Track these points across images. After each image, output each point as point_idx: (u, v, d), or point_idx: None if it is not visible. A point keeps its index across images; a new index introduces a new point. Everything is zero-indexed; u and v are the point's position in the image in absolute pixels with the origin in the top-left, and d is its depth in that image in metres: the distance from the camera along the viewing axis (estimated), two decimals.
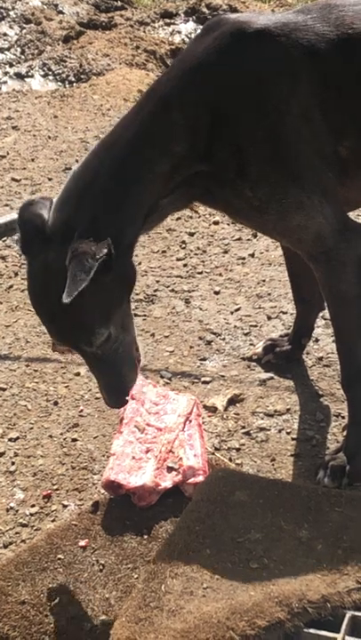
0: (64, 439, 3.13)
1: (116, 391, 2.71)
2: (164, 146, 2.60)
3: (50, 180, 4.90)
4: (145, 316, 3.84)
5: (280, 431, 3.14)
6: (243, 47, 2.60)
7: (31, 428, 3.21)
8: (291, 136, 2.58)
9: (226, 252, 4.26)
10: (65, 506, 2.89)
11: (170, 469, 2.85)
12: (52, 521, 2.84)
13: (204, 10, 7.73)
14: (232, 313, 3.80)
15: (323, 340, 3.57)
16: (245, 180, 2.62)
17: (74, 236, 2.45)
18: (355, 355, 2.85)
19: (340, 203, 2.70)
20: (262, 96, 2.57)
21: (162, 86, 2.66)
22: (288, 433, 3.13)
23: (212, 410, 3.25)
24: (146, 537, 2.70)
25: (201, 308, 3.85)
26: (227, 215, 2.94)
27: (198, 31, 2.79)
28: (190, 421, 3.00)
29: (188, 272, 4.16)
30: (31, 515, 2.87)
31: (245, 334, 3.66)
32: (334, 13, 2.64)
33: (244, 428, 3.16)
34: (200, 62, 2.60)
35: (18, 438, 3.17)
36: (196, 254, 4.31)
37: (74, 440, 3.14)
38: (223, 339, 3.64)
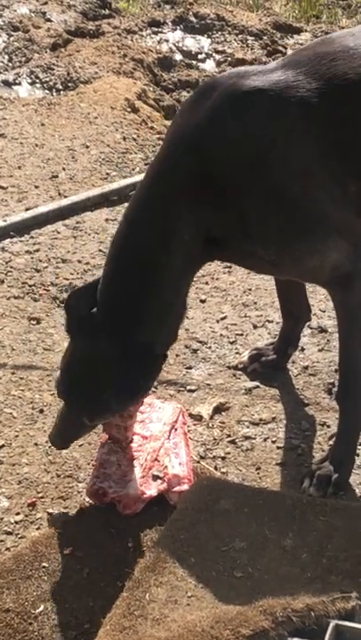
0: (49, 447, 3.12)
1: (65, 440, 2.90)
2: (178, 240, 2.65)
3: (36, 187, 4.89)
4: None
5: (265, 440, 3.14)
6: (237, 113, 2.58)
7: (16, 436, 3.20)
8: (294, 193, 2.58)
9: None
10: (50, 514, 2.88)
11: (155, 478, 2.85)
12: (37, 529, 2.83)
13: (192, 19, 7.74)
14: (218, 321, 3.81)
15: (309, 349, 3.58)
16: (255, 242, 2.66)
17: (123, 330, 2.65)
18: (357, 370, 2.87)
19: (359, 232, 2.71)
20: (260, 159, 2.57)
21: (161, 171, 2.67)
22: (273, 442, 3.13)
23: (198, 418, 3.25)
24: (131, 545, 2.70)
25: (187, 317, 3.81)
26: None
27: (189, 96, 2.78)
28: (176, 430, 3.00)
29: None
30: (16, 522, 2.86)
31: (231, 343, 3.66)
32: (325, 65, 2.60)
33: (229, 436, 3.16)
34: (196, 135, 2.60)
35: (3, 446, 3.16)
36: None
37: None
38: (209, 347, 3.65)
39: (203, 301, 3.95)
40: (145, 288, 2.66)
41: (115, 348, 2.65)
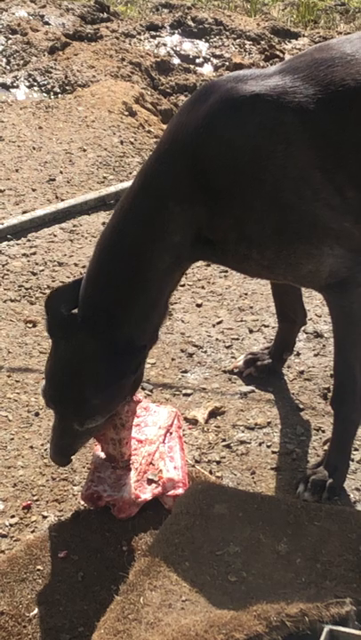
0: (45, 450, 3.13)
1: (64, 453, 2.83)
2: (167, 240, 2.66)
3: (34, 190, 4.90)
4: None
5: (260, 444, 3.15)
6: (234, 118, 2.59)
7: (12, 439, 3.20)
8: (292, 199, 2.58)
9: (208, 264, 4.27)
10: (45, 517, 2.88)
11: (150, 481, 2.85)
12: (32, 532, 2.83)
13: (190, 23, 7.76)
14: (214, 326, 3.81)
15: (304, 354, 3.58)
16: (250, 246, 2.66)
17: (104, 325, 2.64)
18: (353, 375, 2.87)
19: (358, 238, 2.71)
20: (256, 164, 2.57)
21: (155, 172, 2.67)
22: (268, 446, 3.13)
23: (193, 422, 3.25)
24: (125, 549, 2.70)
25: (183, 321, 3.85)
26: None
27: (187, 99, 2.78)
28: (171, 434, 3.00)
29: None
30: (11, 525, 2.86)
31: (227, 347, 3.67)
32: (322, 70, 2.61)
33: (224, 440, 3.17)
34: (192, 138, 2.60)
35: None
36: None
37: None
38: (205, 351, 3.65)
39: (199, 305, 3.96)
40: (130, 287, 2.66)
41: (96, 347, 2.64)
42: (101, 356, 2.64)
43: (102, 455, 2.91)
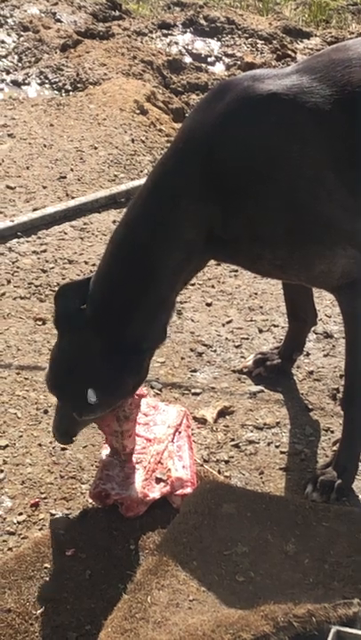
0: (53, 448, 3.13)
1: (64, 434, 2.87)
2: (179, 239, 2.65)
3: (44, 188, 4.90)
4: None
5: (269, 444, 3.14)
6: (250, 117, 2.58)
7: (20, 436, 3.20)
8: (306, 199, 2.58)
9: (218, 264, 4.26)
10: (53, 515, 2.88)
11: (158, 480, 2.85)
12: (40, 529, 2.83)
13: (202, 21, 7.74)
14: (224, 325, 3.81)
15: (314, 354, 3.58)
16: (263, 245, 2.65)
17: (110, 324, 2.65)
18: None
19: None
20: (271, 163, 2.56)
21: (169, 169, 2.67)
22: (277, 446, 3.13)
23: (202, 421, 3.25)
24: (133, 547, 2.70)
25: (193, 320, 3.85)
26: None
27: (203, 97, 2.78)
28: (180, 433, 3.00)
29: None
30: (19, 523, 2.86)
31: (237, 347, 3.66)
32: (339, 71, 2.60)
33: (233, 440, 3.16)
34: (207, 136, 2.59)
35: (7, 446, 3.16)
36: None
37: (63, 449, 3.13)
38: (214, 350, 3.65)
39: (209, 305, 3.96)
40: (139, 286, 2.65)
41: (101, 343, 2.64)
42: (104, 355, 2.64)
43: (110, 453, 2.91)
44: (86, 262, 4.22)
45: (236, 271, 4.17)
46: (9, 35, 7.38)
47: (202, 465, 3.03)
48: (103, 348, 2.64)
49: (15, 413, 3.31)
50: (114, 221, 4.56)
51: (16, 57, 7.03)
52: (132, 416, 2.84)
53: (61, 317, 2.73)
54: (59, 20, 7.66)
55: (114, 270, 2.68)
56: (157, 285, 2.67)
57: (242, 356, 3.60)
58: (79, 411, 2.71)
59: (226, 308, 3.93)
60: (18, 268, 4.19)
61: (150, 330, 2.70)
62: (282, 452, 3.11)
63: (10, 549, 2.77)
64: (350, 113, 2.57)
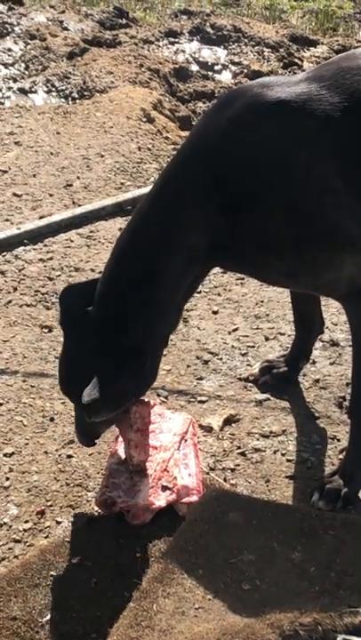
0: (59, 455, 3.13)
1: (86, 435, 2.88)
2: (182, 244, 2.65)
3: (51, 195, 4.91)
4: None
5: (275, 452, 3.14)
6: (258, 124, 2.58)
7: (26, 444, 3.20)
8: (311, 206, 2.57)
9: (224, 271, 4.27)
10: (58, 522, 2.88)
11: (164, 488, 2.85)
12: (46, 537, 2.83)
13: (209, 30, 7.76)
14: (230, 333, 3.81)
15: (320, 362, 3.58)
16: (270, 253, 2.65)
17: (111, 327, 2.65)
18: None
19: None
20: (279, 170, 2.56)
21: (176, 175, 2.67)
22: (283, 454, 3.13)
23: (208, 429, 3.25)
24: (139, 555, 2.69)
25: (199, 328, 3.85)
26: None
27: (212, 104, 2.78)
28: (186, 440, 3.00)
29: None
30: (24, 530, 2.86)
31: (243, 354, 3.66)
32: (348, 79, 2.60)
33: (239, 448, 3.16)
34: (215, 142, 2.59)
35: (13, 454, 3.16)
36: None
37: (69, 457, 3.14)
38: (220, 358, 3.65)
39: (215, 312, 3.96)
40: (144, 289, 2.65)
41: (102, 346, 2.65)
42: (104, 357, 2.63)
43: (116, 461, 2.91)
44: (92, 270, 4.23)
45: (243, 279, 4.17)
46: (16, 43, 7.40)
47: (208, 473, 3.02)
48: (104, 350, 2.64)
49: (21, 421, 3.31)
50: (120, 229, 4.54)
51: (23, 65, 7.05)
52: (136, 426, 2.84)
53: (67, 318, 2.75)
54: (66, 29, 7.68)
55: (117, 274, 2.68)
56: (158, 290, 2.66)
57: (248, 364, 3.60)
58: (87, 413, 2.70)
59: (232, 316, 3.93)
60: (24, 275, 4.19)
61: (151, 335, 2.70)
62: (288, 460, 3.10)
63: (16, 557, 2.77)
64: (358, 121, 2.57)
